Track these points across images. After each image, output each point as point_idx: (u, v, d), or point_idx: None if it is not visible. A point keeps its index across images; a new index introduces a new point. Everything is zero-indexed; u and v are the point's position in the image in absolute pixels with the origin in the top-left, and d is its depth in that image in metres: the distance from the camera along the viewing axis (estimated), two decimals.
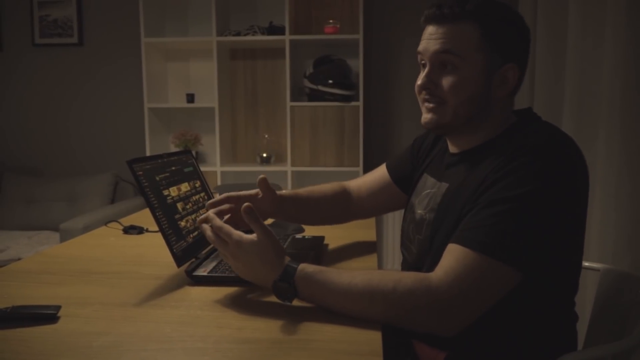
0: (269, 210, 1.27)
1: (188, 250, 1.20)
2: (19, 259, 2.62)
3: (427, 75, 1.07)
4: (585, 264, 1.37)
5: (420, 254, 1.13)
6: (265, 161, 3.39)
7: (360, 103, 3.16)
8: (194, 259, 1.21)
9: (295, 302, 0.97)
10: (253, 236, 1.00)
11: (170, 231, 1.16)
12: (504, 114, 1.09)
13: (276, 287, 0.96)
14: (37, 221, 3.32)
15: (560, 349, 1.02)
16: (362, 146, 3.19)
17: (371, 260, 1.34)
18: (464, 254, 0.92)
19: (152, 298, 1.05)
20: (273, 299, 0.99)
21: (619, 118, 1.72)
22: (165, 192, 1.21)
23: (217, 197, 1.18)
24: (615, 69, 1.71)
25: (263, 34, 3.25)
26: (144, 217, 1.83)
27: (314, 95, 3.22)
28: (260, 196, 1.24)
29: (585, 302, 1.72)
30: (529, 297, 0.98)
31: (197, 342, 0.85)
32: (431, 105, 1.08)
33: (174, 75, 3.59)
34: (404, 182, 1.35)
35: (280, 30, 3.23)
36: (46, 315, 0.92)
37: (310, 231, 1.59)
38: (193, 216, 1.30)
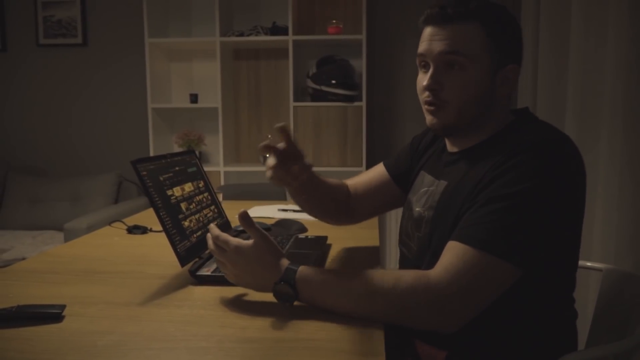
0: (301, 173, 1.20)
1: (192, 249, 1.20)
2: (24, 259, 2.64)
3: (433, 77, 1.05)
4: (588, 264, 1.37)
5: (420, 251, 1.14)
6: None
7: (363, 103, 3.17)
8: (197, 259, 1.22)
9: (297, 302, 0.98)
10: (250, 241, 1.01)
11: (174, 231, 1.16)
12: (502, 113, 1.10)
13: (276, 290, 0.97)
14: (41, 221, 3.34)
15: (560, 346, 1.03)
16: (365, 146, 3.20)
17: (374, 259, 1.35)
18: (463, 251, 0.92)
19: (156, 297, 1.05)
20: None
21: (621, 118, 1.72)
22: (169, 192, 1.22)
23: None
24: (617, 69, 1.72)
25: (266, 34, 3.26)
26: (148, 217, 1.84)
27: (317, 96, 3.22)
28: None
29: (587, 302, 1.72)
30: (528, 294, 0.99)
31: (201, 341, 0.85)
32: (433, 107, 1.07)
33: (177, 75, 3.60)
34: (403, 180, 1.34)
35: (283, 31, 3.24)
36: (51, 315, 0.93)
37: (313, 231, 1.59)
38: (197, 216, 1.31)
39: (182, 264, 1.14)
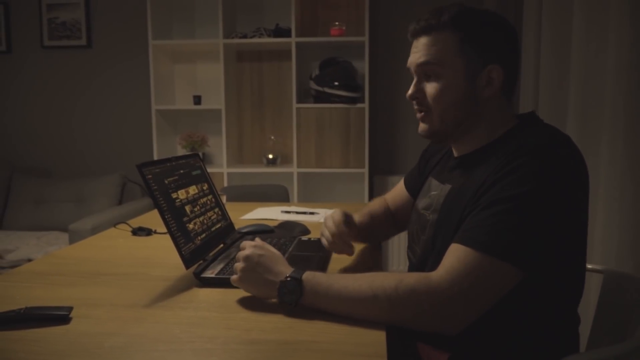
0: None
1: (196, 252, 1.22)
2: (29, 259, 2.66)
3: (415, 85, 1.14)
4: (589, 266, 1.38)
5: (424, 254, 1.15)
6: (272, 162, 3.41)
7: (365, 105, 3.18)
8: (201, 261, 1.23)
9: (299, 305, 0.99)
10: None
11: (179, 234, 1.18)
12: (500, 115, 1.11)
13: (285, 284, 0.98)
14: (46, 221, 3.36)
15: (562, 351, 1.03)
16: (368, 148, 3.21)
17: (377, 262, 1.36)
18: (465, 253, 0.93)
19: (161, 299, 1.07)
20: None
21: (623, 122, 1.72)
22: (174, 195, 1.23)
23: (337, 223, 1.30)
24: (618, 73, 1.72)
25: (269, 36, 3.28)
26: (152, 219, 1.85)
27: (320, 97, 3.24)
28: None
29: (588, 304, 1.73)
30: (530, 298, 0.99)
31: (206, 343, 0.87)
32: (421, 114, 1.15)
33: (181, 77, 3.62)
34: (417, 193, 1.38)
35: (286, 33, 3.25)
36: (58, 317, 0.95)
37: (316, 233, 1.60)
38: (201, 218, 1.32)
39: (187, 266, 1.16)
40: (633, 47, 1.67)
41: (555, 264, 0.99)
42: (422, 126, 1.16)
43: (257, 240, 1.10)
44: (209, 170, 1.72)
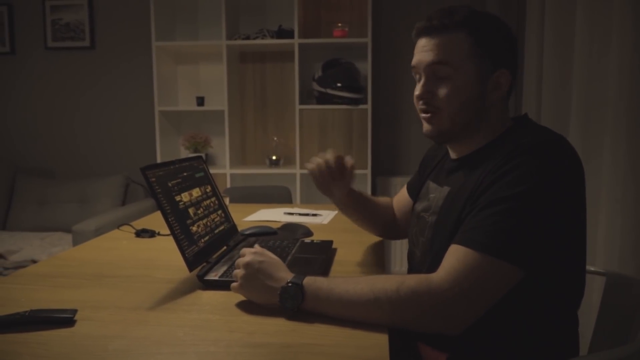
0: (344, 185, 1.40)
1: (199, 254, 1.22)
2: (32, 260, 2.67)
3: (424, 86, 1.11)
4: (591, 268, 1.38)
5: (423, 256, 1.16)
6: (274, 163, 3.42)
7: (368, 106, 3.19)
8: (205, 263, 1.24)
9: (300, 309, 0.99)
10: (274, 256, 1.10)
11: (183, 236, 1.18)
12: (499, 118, 1.13)
13: (286, 290, 0.98)
14: (50, 222, 3.37)
15: (562, 352, 1.04)
16: (371, 149, 3.21)
17: (379, 264, 1.37)
18: (465, 254, 0.94)
19: (164, 302, 1.08)
20: None
21: (625, 125, 1.73)
22: (178, 198, 1.24)
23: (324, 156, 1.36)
24: (621, 75, 1.73)
25: (272, 37, 3.28)
26: (156, 220, 1.86)
27: (323, 98, 3.24)
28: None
29: (590, 306, 1.73)
30: (530, 298, 1.00)
31: (209, 346, 0.87)
32: (428, 115, 1.13)
33: (184, 78, 3.63)
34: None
35: (289, 34, 3.26)
36: (63, 319, 0.95)
37: (318, 235, 1.61)
38: (204, 221, 1.33)
39: (190, 269, 1.16)
40: (635, 50, 1.67)
41: (554, 263, 0.99)
42: (427, 126, 1.14)
43: (257, 247, 1.10)
44: (212, 171, 1.73)
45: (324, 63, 3.27)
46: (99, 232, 2.65)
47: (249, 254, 1.06)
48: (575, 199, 1.00)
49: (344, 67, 3.23)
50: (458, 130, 1.11)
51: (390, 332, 0.92)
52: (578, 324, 1.11)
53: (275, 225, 1.74)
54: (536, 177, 0.95)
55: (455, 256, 0.95)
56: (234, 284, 1.05)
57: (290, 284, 0.99)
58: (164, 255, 1.44)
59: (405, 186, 1.51)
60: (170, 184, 1.23)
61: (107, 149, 3.74)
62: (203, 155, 3.38)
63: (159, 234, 1.68)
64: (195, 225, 1.27)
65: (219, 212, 1.46)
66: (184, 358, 0.84)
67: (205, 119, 3.60)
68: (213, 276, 1.17)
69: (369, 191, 3.26)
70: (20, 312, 0.95)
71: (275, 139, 3.52)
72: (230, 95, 3.33)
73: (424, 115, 1.14)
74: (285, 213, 2.01)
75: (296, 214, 1.99)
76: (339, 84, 3.17)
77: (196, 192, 1.35)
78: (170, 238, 1.17)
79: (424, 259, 1.14)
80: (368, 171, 3.21)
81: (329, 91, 3.19)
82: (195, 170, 1.40)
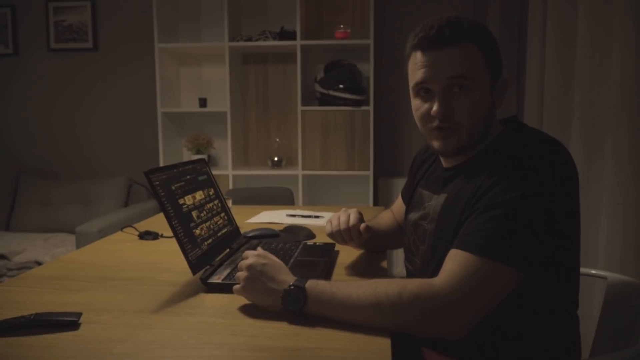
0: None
1: (203, 257, 1.23)
2: (36, 261, 2.68)
3: (444, 102, 1.05)
4: (593, 271, 1.39)
5: (424, 264, 1.16)
6: (277, 165, 3.43)
7: (370, 107, 3.19)
8: (208, 266, 1.24)
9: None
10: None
11: (186, 239, 1.19)
12: (493, 123, 1.13)
13: (288, 293, 0.99)
14: (52, 223, 3.38)
15: (565, 352, 1.05)
16: (373, 150, 3.22)
17: (381, 267, 1.37)
18: (465, 258, 0.95)
19: (168, 305, 1.08)
20: None
21: (627, 128, 1.73)
22: (181, 201, 1.24)
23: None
24: (623, 79, 1.73)
25: (274, 39, 3.29)
26: (159, 222, 1.87)
27: (325, 100, 3.25)
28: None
29: (592, 310, 1.74)
30: (531, 301, 1.01)
31: (213, 350, 0.88)
32: (446, 132, 1.08)
33: (186, 79, 3.64)
34: None
35: (291, 36, 3.26)
36: (68, 322, 0.96)
37: (321, 238, 1.61)
38: (207, 224, 1.33)
39: (194, 272, 1.17)
40: (637, 53, 1.68)
41: (552, 264, 1.00)
42: (444, 143, 1.09)
43: (259, 250, 1.11)
44: (214, 172, 1.74)
45: (326, 64, 3.27)
46: (102, 233, 2.66)
47: (251, 257, 1.07)
48: (571, 201, 1.02)
49: (346, 69, 3.23)
50: (474, 144, 1.10)
51: (393, 337, 0.93)
52: (579, 322, 1.12)
53: (277, 227, 1.74)
54: (533, 181, 0.96)
55: (455, 260, 0.96)
56: (236, 286, 1.06)
57: (292, 287, 0.99)
58: (168, 258, 1.45)
59: (400, 194, 1.52)
60: (173, 187, 1.24)
61: (110, 150, 3.75)
62: (205, 156, 3.39)
63: (162, 236, 1.69)
64: (199, 228, 1.27)
65: (222, 214, 1.46)
66: None
67: (208, 120, 3.61)
68: (216, 279, 1.18)
69: (370, 192, 3.26)
70: (25, 315, 0.96)
71: (277, 140, 3.53)
72: (232, 97, 3.33)
73: (441, 133, 1.08)
74: (287, 215, 2.01)
75: (298, 215, 2.00)
76: (341, 86, 3.18)
77: (199, 195, 1.36)
78: (174, 240, 1.18)
79: (426, 267, 1.15)
80: (370, 172, 3.22)
81: (331, 93, 3.20)
82: (198, 173, 1.41)
